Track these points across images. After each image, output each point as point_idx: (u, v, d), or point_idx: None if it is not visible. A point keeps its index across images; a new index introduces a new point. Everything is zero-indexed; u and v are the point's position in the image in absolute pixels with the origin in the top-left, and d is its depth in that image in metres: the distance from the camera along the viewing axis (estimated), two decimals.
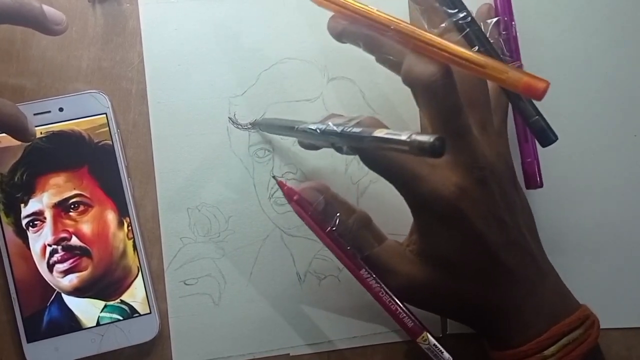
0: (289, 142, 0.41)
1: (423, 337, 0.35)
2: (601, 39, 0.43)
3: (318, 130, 0.32)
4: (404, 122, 0.42)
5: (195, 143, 0.41)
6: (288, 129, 0.36)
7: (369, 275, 0.35)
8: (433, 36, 0.30)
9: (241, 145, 0.41)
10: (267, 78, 0.42)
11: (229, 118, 0.41)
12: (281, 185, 0.37)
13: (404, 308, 0.35)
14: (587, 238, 0.42)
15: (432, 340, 0.35)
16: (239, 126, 0.41)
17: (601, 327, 0.35)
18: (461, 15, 0.33)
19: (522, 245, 0.34)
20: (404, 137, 0.26)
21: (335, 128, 0.30)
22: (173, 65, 0.41)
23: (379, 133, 0.27)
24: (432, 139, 0.24)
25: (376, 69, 0.42)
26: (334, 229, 0.35)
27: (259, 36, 0.42)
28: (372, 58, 0.42)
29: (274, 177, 0.38)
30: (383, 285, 0.35)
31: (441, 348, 0.35)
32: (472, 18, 0.33)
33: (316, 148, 0.36)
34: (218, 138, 0.41)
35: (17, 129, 0.35)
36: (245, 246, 0.41)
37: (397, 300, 0.35)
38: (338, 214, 0.35)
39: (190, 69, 0.42)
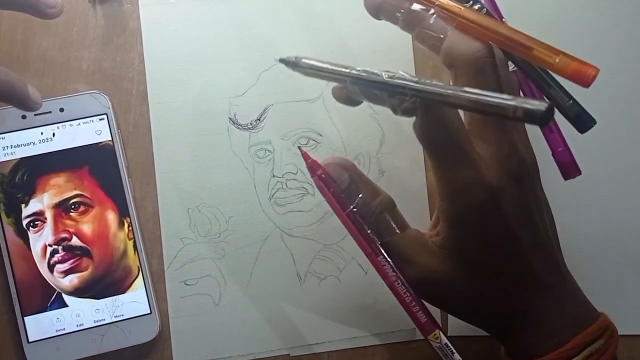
0: (290, 142, 0.41)
1: (435, 334, 0.33)
2: (612, 42, 0.42)
3: (385, 76, 0.29)
4: (405, 122, 0.42)
5: (195, 143, 0.41)
6: (337, 72, 0.32)
7: (386, 263, 0.33)
8: (480, 15, 0.30)
9: (241, 145, 0.41)
10: (267, 78, 0.42)
11: (230, 118, 0.41)
12: (305, 157, 0.34)
13: (418, 301, 0.33)
14: (591, 242, 0.42)
15: (444, 339, 0.33)
16: (240, 126, 0.41)
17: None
18: (476, 7, 0.32)
19: (548, 248, 0.33)
20: (511, 102, 0.24)
21: (411, 78, 0.28)
22: (173, 66, 0.42)
23: (474, 90, 0.25)
24: (544, 108, 0.23)
25: (377, 69, 0.42)
26: (354, 209, 0.33)
27: (259, 36, 0.42)
28: (372, 58, 0.42)
29: (299, 147, 0.36)
30: (400, 274, 0.33)
31: (452, 348, 0.33)
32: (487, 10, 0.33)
33: (355, 104, 0.34)
34: (218, 138, 0.41)
35: (16, 97, 0.34)
36: (246, 246, 0.41)
37: (412, 293, 0.33)
38: (360, 195, 0.33)
39: (191, 69, 0.42)
